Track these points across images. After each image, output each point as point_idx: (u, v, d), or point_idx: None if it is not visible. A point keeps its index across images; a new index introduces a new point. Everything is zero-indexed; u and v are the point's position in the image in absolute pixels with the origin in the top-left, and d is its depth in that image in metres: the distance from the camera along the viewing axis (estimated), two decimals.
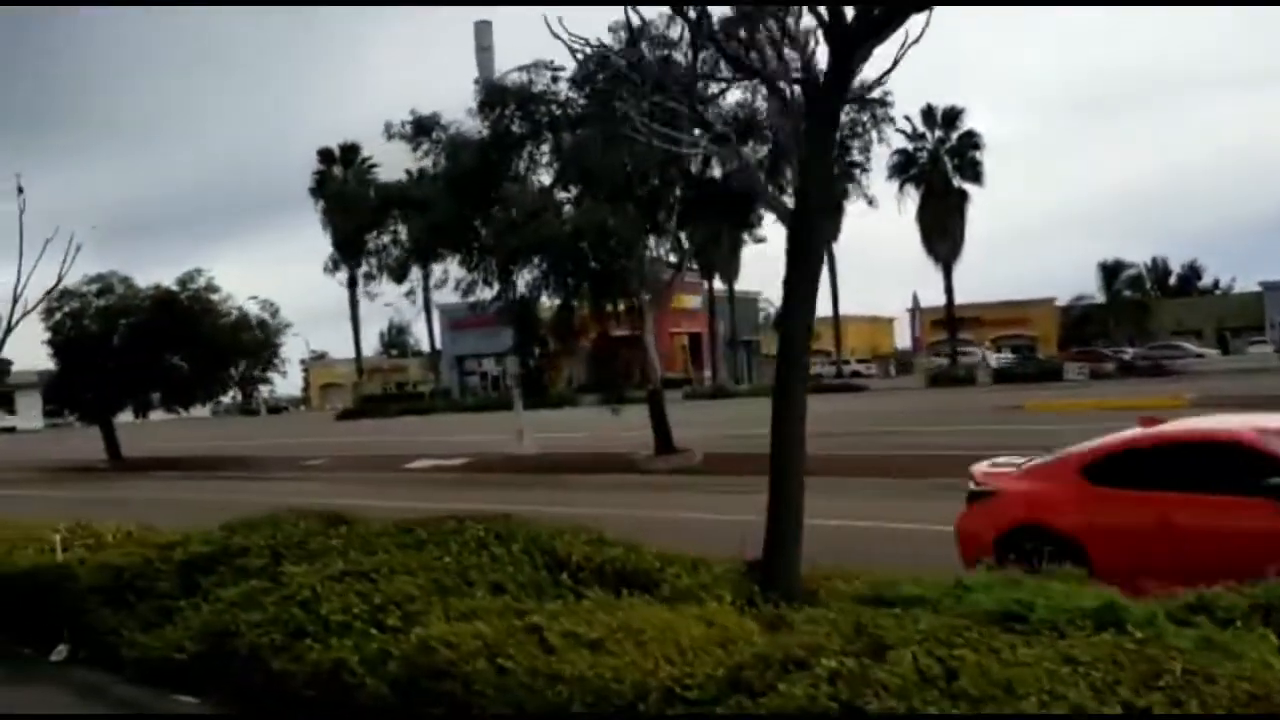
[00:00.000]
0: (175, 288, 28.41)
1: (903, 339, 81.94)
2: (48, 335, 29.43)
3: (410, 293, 21.20)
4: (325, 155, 63.43)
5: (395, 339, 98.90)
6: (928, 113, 52.64)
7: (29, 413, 72.72)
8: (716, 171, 20.70)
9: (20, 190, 10.01)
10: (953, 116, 53.18)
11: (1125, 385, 36.06)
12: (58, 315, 29.49)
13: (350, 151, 64.08)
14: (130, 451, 31.42)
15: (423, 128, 20.94)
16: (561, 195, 19.81)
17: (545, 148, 19.87)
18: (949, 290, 54.58)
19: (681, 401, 39.17)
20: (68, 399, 31.93)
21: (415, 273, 24.14)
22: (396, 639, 5.18)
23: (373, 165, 63.94)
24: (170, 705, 6.10)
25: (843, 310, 64.46)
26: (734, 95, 20.13)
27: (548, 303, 22.00)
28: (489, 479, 21.41)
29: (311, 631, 5.60)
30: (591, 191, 17.91)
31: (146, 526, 8.95)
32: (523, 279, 20.80)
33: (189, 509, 11.70)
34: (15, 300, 10.57)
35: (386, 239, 21.06)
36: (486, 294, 22.36)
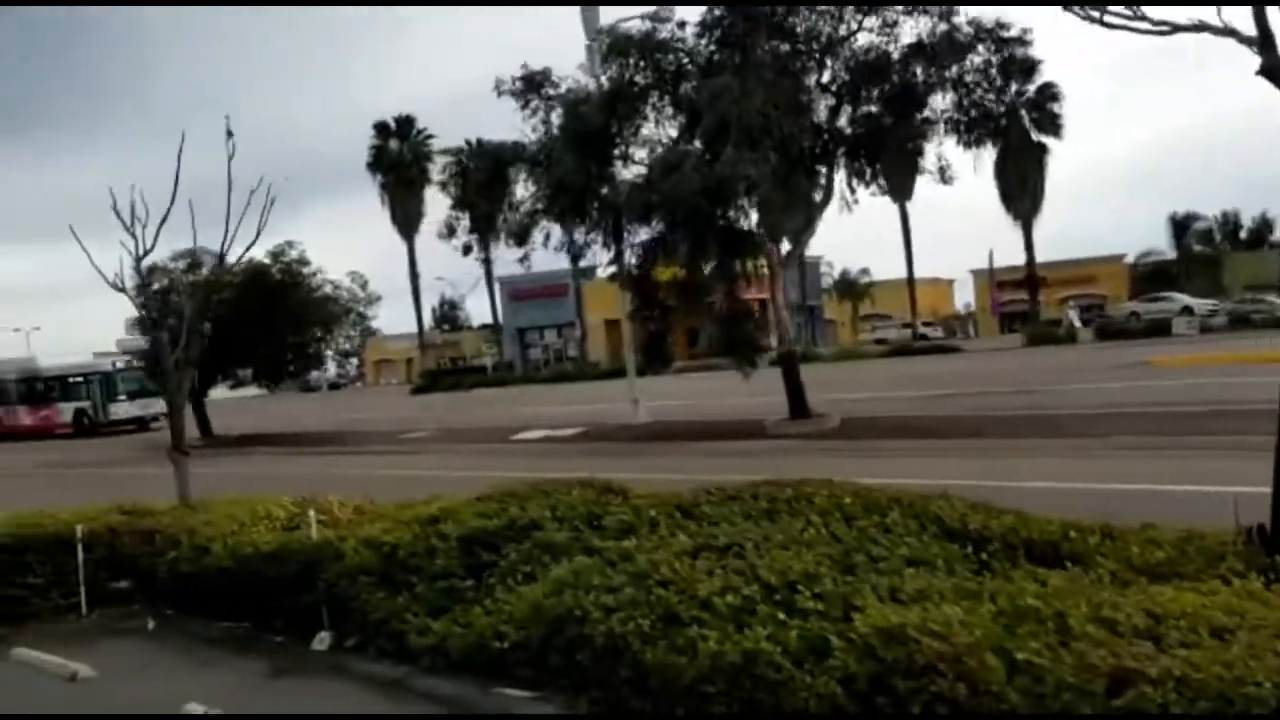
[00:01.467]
0: (267, 261, 27.76)
1: (962, 301, 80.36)
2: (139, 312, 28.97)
3: (525, 258, 20.23)
4: (381, 129, 62.75)
5: (448, 313, 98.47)
6: (1003, 64, 50.79)
7: None
8: (841, 121, 19.70)
9: (230, 134, 9.18)
10: (1030, 67, 51.29)
11: (1240, 339, 34.49)
12: (142, 295, 29.01)
13: (405, 124, 63.39)
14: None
15: (533, 84, 20.03)
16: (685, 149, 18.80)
17: (666, 99, 18.90)
18: (1029, 247, 53.11)
19: (768, 368, 38.21)
20: (160, 376, 31.49)
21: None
22: (831, 625, 4.30)
23: (429, 136, 63.37)
24: (502, 702, 5.29)
25: (903, 273, 63.10)
26: (863, 39, 19.13)
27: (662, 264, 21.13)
28: (611, 448, 20.59)
29: (692, 617, 4.74)
30: (727, 142, 16.87)
31: (368, 500, 8.16)
32: (640, 238, 19.95)
33: (321, 484, 11.01)
34: (221, 258, 9.74)
35: (501, 204, 20.12)
36: (601, 257, 21.61)
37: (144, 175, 9.00)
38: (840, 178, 19.71)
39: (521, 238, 19.38)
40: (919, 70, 19.46)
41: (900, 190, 45.96)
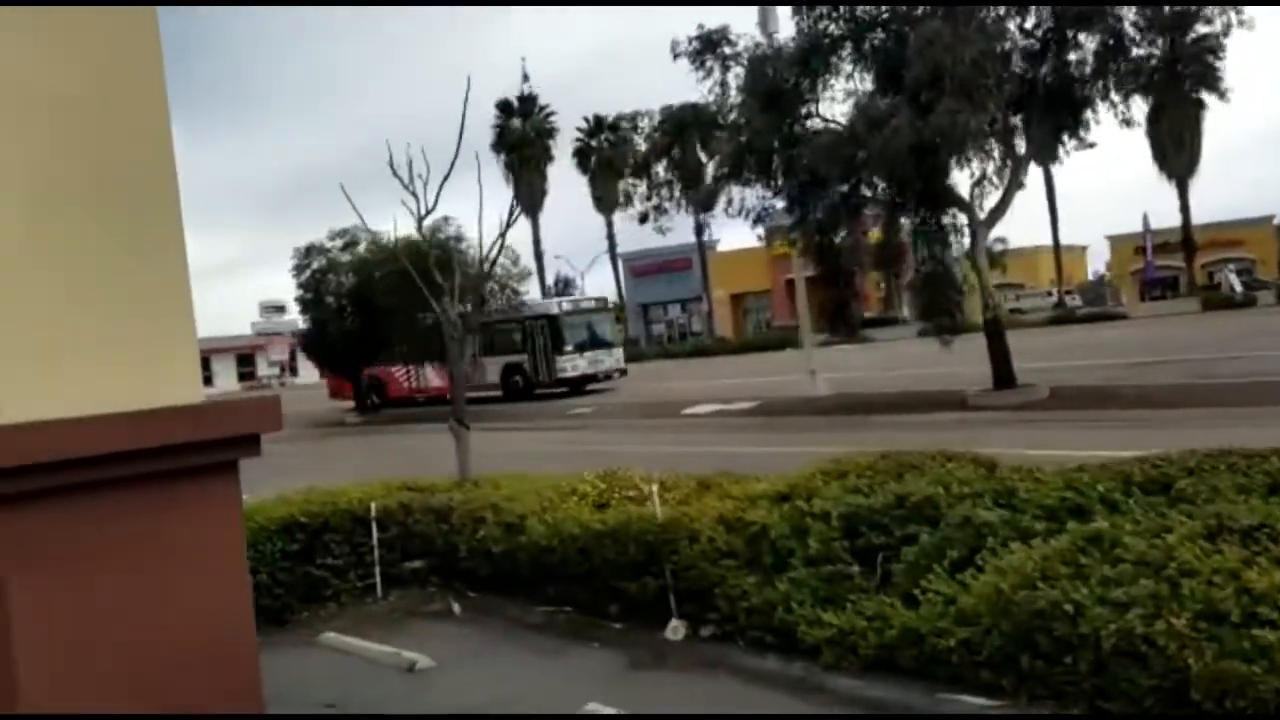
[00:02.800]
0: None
1: (1092, 268, 76.59)
2: (298, 291, 29.30)
3: (702, 230, 19.43)
4: (504, 107, 62.69)
5: (562, 291, 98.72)
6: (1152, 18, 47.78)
7: (227, 375, 76.11)
8: (1044, 70, 18.29)
9: (525, 74, 8.58)
10: (1187, 20, 48.13)
11: None
12: (306, 272, 29.28)
13: (528, 102, 63.22)
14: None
15: (710, 44, 19.16)
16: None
17: (860, 51, 17.80)
18: (1184, 210, 49.95)
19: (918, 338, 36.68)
20: (319, 355, 31.79)
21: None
22: None
23: (550, 114, 63.14)
24: (958, 709, 4.50)
25: (1033, 240, 60.31)
26: None
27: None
28: (797, 423, 19.71)
29: (1248, 614, 3.86)
30: (937, 92, 15.71)
31: (674, 474, 7.47)
32: (828, 200, 18.93)
33: (502, 459, 10.43)
34: (505, 233, 9.11)
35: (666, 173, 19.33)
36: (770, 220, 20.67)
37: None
38: (1040, 132, 18.37)
39: (708, 203, 18.56)
40: (1131, 14, 17.99)
41: (1047, 151, 43.50)
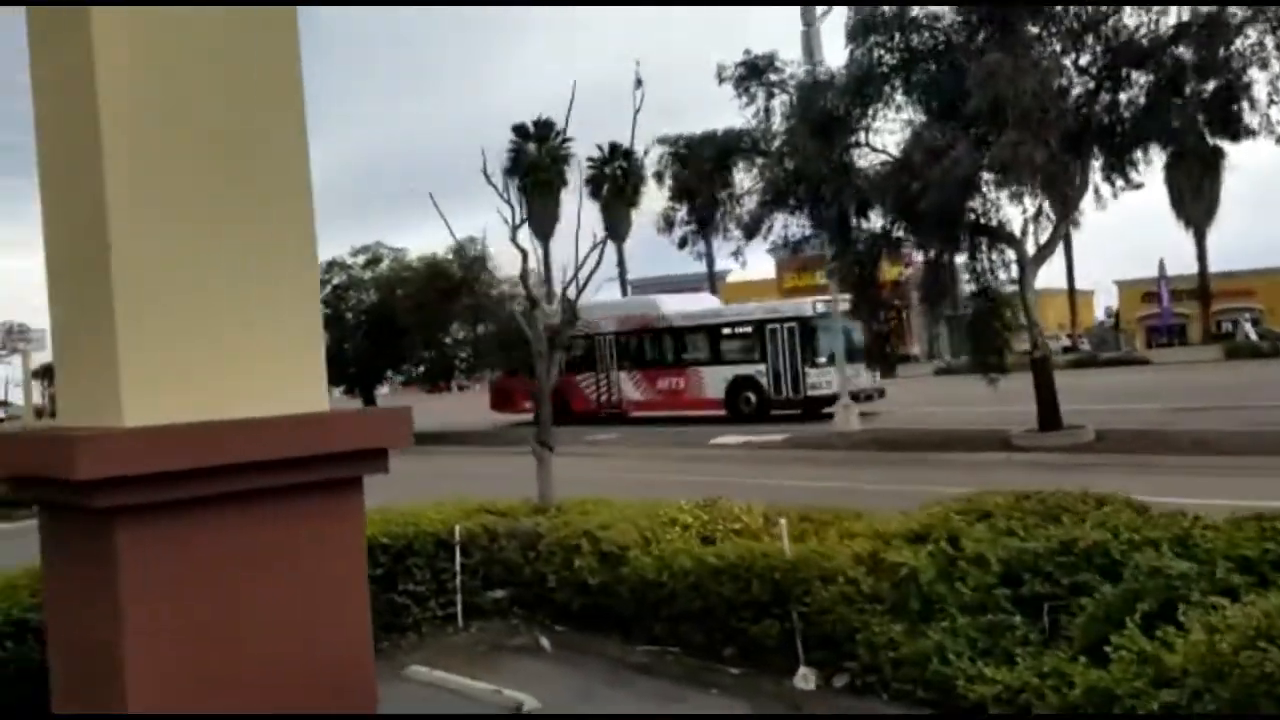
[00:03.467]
0: (449, 257, 27.24)
1: (1097, 312, 76.49)
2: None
3: (737, 253, 19.12)
4: (520, 131, 62.59)
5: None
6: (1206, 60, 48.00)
7: None
8: (1098, 106, 18.04)
9: (639, 83, 8.23)
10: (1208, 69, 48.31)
11: None
12: (327, 288, 28.87)
13: (544, 127, 63.14)
14: None
15: (755, 70, 18.91)
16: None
17: (913, 81, 17.54)
18: (1202, 257, 49.86)
19: (945, 376, 36.35)
20: (335, 373, 31.24)
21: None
22: None
23: (566, 140, 63.09)
24: None
25: (1041, 283, 60.18)
26: (1129, 17, 17.49)
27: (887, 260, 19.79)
28: (833, 457, 19.26)
29: None
30: (996, 124, 15.42)
31: (775, 508, 7.01)
32: (870, 229, 18.62)
33: (524, 484, 9.94)
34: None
35: (721, 194, 18.99)
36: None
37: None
38: (1095, 167, 18.12)
39: (752, 229, 18.22)
40: (1186, 52, 17.76)
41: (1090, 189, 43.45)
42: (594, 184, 63.18)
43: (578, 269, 7.99)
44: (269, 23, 2.95)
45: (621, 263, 62.86)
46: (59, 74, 3.04)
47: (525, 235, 8.17)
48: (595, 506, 7.42)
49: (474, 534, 7.05)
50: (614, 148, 61.90)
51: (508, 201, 8.18)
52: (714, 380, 26.40)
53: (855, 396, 24.81)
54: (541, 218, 62.25)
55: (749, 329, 26.10)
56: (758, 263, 71.04)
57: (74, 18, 2.79)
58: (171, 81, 2.73)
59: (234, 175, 2.87)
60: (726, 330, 26.75)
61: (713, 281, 59.93)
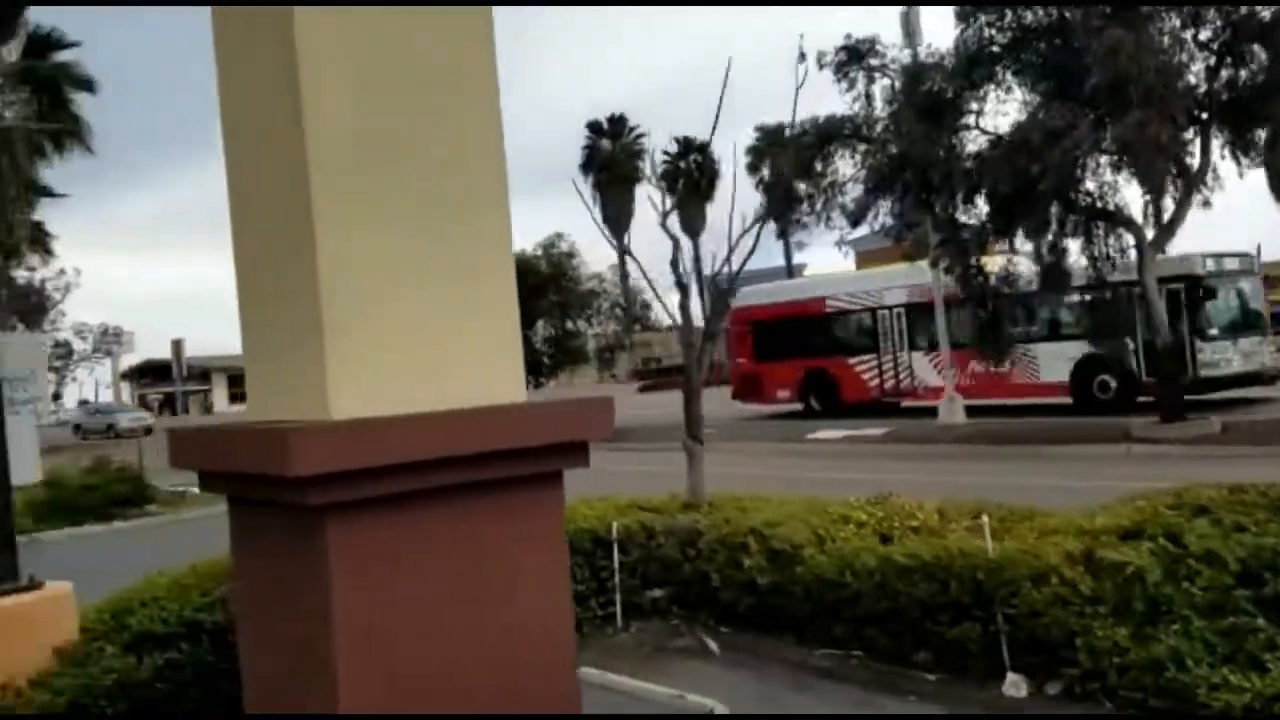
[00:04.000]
0: (537, 253, 27.20)
1: None
2: None
3: (840, 242, 18.73)
4: (594, 128, 62.66)
5: (639, 313, 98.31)
6: None
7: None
8: (1217, 84, 17.22)
9: (802, 56, 7.97)
10: None
11: None
12: None
13: (617, 123, 63.16)
14: None
15: (856, 54, 18.44)
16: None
17: (1022, 61, 16.93)
18: None
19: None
20: None
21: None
22: None
23: (640, 135, 63.00)
24: None
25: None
26: None
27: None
28: (939, 451, 18.73)
29: None
30: (1117, 103, 14.76)
31: (951, 502, 6.65)
32: (978, 214, 18.04)
33: (635, 481, 9.63)
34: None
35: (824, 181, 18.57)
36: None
37: None
38: (1215, 148, 17.28)
39: (858, 218, 17.78)
40: None
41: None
42: (669, 179, 62.91)
43: (730, 253, 7.70)
44: (464, 28, 2.89)
45: (698, 259, 62.52)
46: (255, 81, 3.00)
47: (674, 223, 7.88)
48: (754, 503, 7.14)
49: (631, 531, 6.81)
50: (688, 142, 61.57)
51: (660, 190, 7.92)
52: (1053, 360, 21.58)
53: (1250, 379, 20.38)
54: (617, 213, 62.30)
55: (1110, 293, 18.38)
56: (823, 255, 70.12)
57: (275, 20, 2.69)
58: (373, 90, 2.71)
59: (431, 176, 2.82)
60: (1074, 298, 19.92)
61: (790, 274, 59.33)
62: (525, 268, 27.36)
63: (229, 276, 3.27)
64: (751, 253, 7.94)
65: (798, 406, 26.55)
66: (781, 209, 19.01)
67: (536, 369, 30.84)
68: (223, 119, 3.20)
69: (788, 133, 20.18)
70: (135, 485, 15.60)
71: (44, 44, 20.37)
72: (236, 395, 75.41)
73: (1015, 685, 5.10)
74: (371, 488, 2.60)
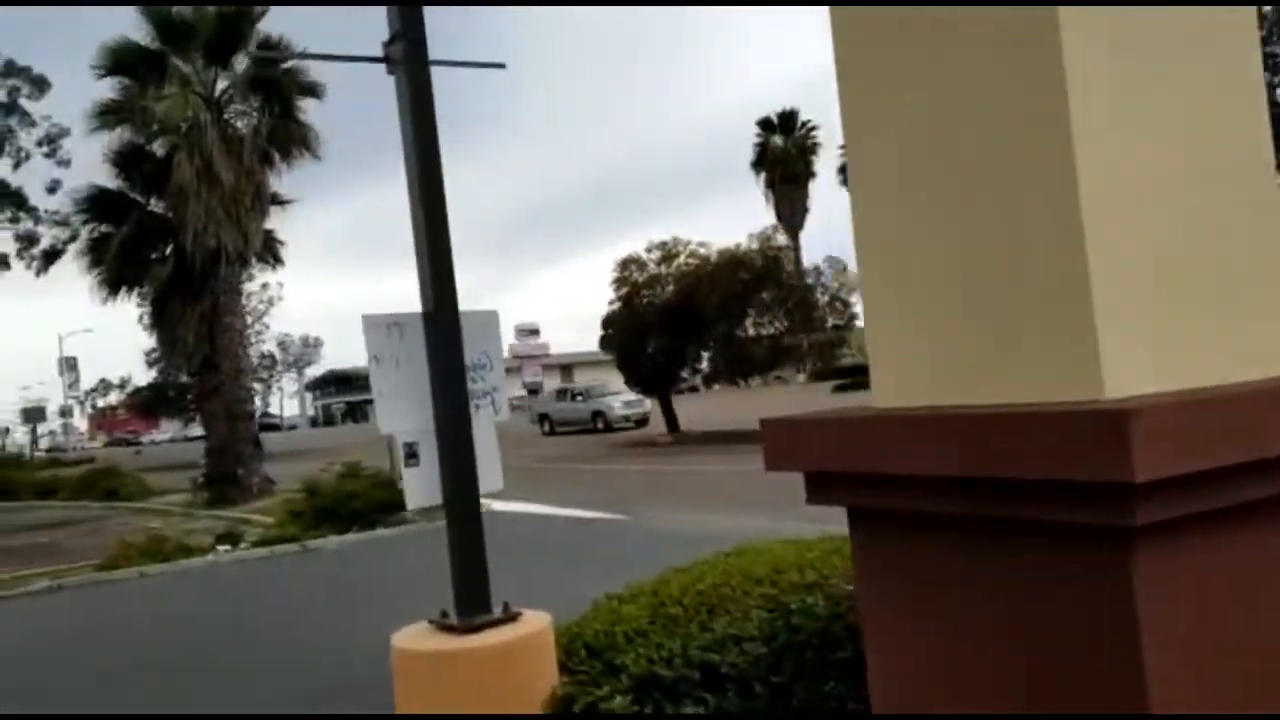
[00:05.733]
0: (754, 247, 26.03)
1: None
2: (617, 304, 28.40)
3: None
4: (765, 125, 61.33)
5: (821, 312, 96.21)
6: None
7: None
8: None
9: None
10: None
11: None
12: (625, 287, 28.33)
13: (789, 119, 61.63)
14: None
15: None
16: None
17: None
18: None
19: None
20: (632, 371, 30.23)
21: None
22: None
23: (813, 128, 61.27)
24: None
25: None
26: None
27: None
28: None
29: None
30: None
31: None
32: None
33: None
34: None
35: None
36: None
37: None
38: None
39: None
40: None
41: None
42: (846, 172, 61.19)
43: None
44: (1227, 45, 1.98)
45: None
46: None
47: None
48: None
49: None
50: None
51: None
52: None
53: None
54: (791, 211, 60.71)
55: None
56: None
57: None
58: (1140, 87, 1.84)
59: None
60: None
61: None
62: (739, 263, 26.24)
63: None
64: None
65: None
66: None
67: (746, 369, 29.67)
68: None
69: None
70: (390, 491, 15.10)
71: (273, 50, 20.38)
72: None
73: None
74: (1201, 498, 1.63)
